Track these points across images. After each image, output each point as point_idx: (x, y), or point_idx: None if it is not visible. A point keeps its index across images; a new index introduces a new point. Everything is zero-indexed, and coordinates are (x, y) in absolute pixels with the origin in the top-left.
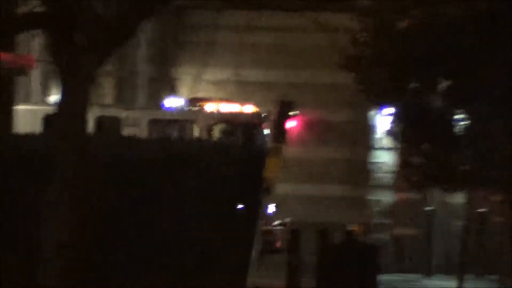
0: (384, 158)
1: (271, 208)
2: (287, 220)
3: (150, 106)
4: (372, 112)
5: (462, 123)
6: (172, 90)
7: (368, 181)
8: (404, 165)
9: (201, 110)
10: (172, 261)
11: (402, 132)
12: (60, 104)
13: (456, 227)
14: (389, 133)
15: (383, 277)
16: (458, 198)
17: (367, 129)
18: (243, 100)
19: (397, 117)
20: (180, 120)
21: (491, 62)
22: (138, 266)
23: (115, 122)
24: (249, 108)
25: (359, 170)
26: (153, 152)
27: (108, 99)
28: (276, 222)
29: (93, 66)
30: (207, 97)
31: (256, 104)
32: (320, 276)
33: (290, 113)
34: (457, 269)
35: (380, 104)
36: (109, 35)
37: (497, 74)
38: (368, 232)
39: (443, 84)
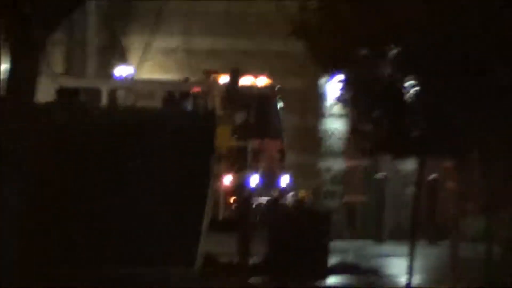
0: (335, 125)
1: (285, 180)
2: (302, 192)
3: (105, 75)
4: (322, 80)
5: (412, 90)
6: (122, 59)
7: (319, 148)
8: (355, 132)
9: (216, 82)
10: (120, 229)
11: (352, 99)
12: (10, 73)
13: (407, 194)
14: (339, 100)
15: (334, 244)
16: (409, 165)
17: (318, 97)
18: (192, 69)
19: (347, 84)
20: (195, 93)
21: (440, 30)
22: (86, 234)
23: (130, 95)
24: (263, 81)
25: (310, 138)
26: (101, 120)
27: (58, 68)
28: (290, 194)
29: (42, 35)
30: (220, 70)
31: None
32: (272, 243)
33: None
34: (409, 235)
35: (330, 71)
36: (58, 3)
37: (446, 42)
38: (319, 199)
39: (393, 52)
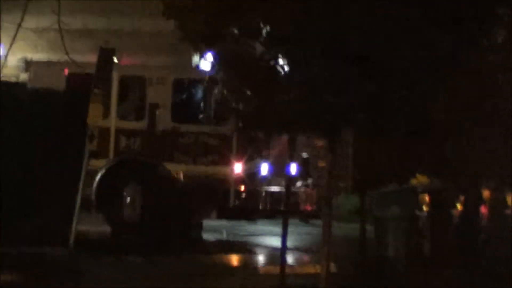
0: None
1: (293, 169)
2: (310, 181)
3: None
4: (195, 59)
5: (283, 69)
6: None
7: None
8: (226, 110)
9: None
10: None
11: (223, 78)
12: None
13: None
14: (211, 79)
15: (207, 223)
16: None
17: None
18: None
19: (218, 63)
20: (205, 80)
21: (307, 8)
22: None
23: (139, 82)
24: None
25: None
26: None
27: None
28: (299, 183)
29: None
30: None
31: (77, 52)
32: (143, 219)
33: (112, 60)
34: (282, 215)
35: (201, 50)
36: None
37: (313, 19)
38: (190, 177)
39: (262, 29)
